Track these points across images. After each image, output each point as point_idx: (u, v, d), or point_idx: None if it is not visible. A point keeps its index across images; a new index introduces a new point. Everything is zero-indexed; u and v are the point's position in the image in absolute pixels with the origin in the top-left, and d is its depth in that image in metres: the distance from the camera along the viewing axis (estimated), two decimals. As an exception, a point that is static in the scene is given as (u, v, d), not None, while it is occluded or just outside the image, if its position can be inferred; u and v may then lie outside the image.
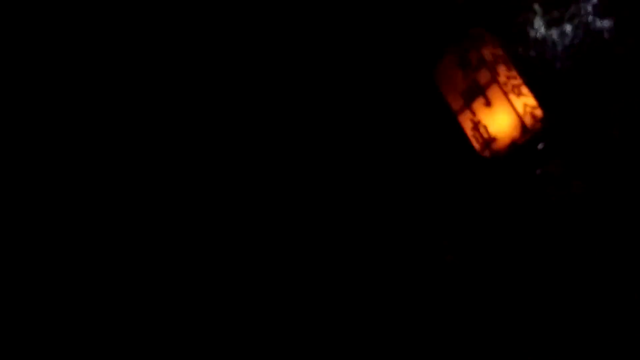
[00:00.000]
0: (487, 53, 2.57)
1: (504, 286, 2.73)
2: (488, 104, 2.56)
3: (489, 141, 2.62)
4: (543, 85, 3.02)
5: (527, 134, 2.53)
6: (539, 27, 3.28)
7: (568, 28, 3.19)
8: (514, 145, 2.59)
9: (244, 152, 3.07)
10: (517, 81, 2.54)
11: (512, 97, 2.50)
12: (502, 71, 2.55)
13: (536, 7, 3.30)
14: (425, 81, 2.81)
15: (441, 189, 2.74)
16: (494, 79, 2.53)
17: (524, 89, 2.54)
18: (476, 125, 2.63)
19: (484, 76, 2.56)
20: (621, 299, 2.54)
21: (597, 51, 3.09)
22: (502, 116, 2.54)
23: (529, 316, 2.71)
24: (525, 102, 2.52)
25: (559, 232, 2.63)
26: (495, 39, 2.62)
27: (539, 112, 2.52)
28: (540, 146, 2.86)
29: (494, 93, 2.54)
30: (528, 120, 2.49)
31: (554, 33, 3.24)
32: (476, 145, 2.67)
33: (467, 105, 2.64)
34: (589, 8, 3.12)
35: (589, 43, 3.13)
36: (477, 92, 2.60)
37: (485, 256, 2.68)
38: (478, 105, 2.60)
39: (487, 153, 2.65)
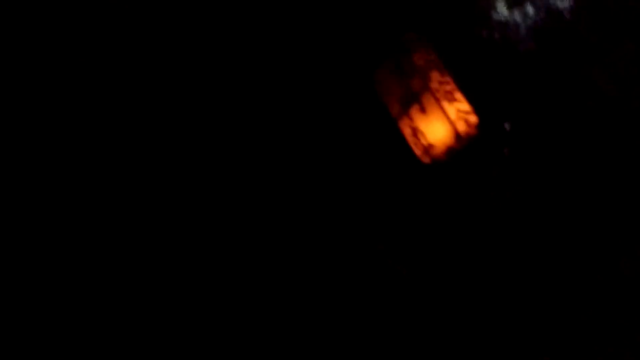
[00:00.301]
0: (419, 60, 2.51)
1: (447, 290, 2.78)
2: (423, 110, 2.53)
3: (428, 148, 2.61)
4: (505, 68, 2.92)
5: (463, 141, 2.49)
6: (502, 9, 3.13)
7: (530, 9, 3.03)
8: (452, 151, 2.56)
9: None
10: (450, 87, 2.47)
11: (445, 103, 2.46)
12: (435, 77, 2.49)
13: (498, -13, 3.12)
14: (368, 87, 2.79)
15: (384, 194, 2.78)
16: (427, 86, 2.48)
17: (457, 95, 2.47)
18: (415, 131, 2.62)
19: (417, 83, 2.52)
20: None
21: (558, 31, 2.92)
22: (436, 123, 2.51)
23: (475, 321, 2.76)
24: (458, 107, 2.46)
25: (503, 235, 2.62)
26: (429, 44, 2.54)
27: (473, 118, 2.46)
28: (507, 126, 2.76)
29: (428, 100, 2.50)
30: (461, 127, 2.45)
31: (517, 15, 3.08)
32: (417, 152, 2.67)
33: (405, 112, 2.62)
34: (550, -13, 2.92)
35: (550, 23, 2.96)
36: (412, 99, 2.57)
37: (426, 260, 2.73)
38: (414, 112, 2.58)
39: (427, 159, 2.64)
